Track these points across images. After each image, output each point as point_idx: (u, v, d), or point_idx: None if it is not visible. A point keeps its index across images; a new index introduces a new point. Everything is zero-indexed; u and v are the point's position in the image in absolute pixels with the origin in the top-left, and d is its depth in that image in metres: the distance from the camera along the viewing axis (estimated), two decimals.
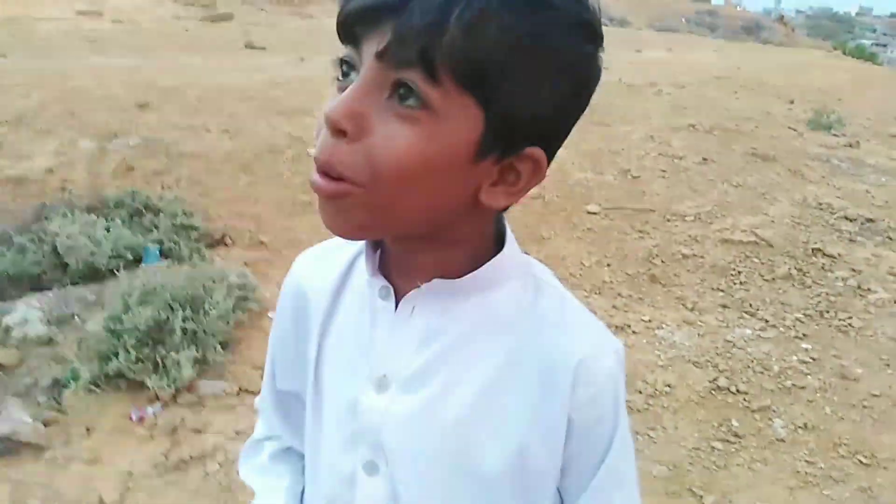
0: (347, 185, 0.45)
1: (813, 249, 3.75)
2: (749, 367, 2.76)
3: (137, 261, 2.79)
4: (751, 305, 3.24)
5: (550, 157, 0.49)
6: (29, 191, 3.30)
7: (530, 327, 0.55)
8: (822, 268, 3.60)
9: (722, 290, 3.36)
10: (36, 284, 2.62)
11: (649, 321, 3.05)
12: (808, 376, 2.73)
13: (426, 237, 0.51)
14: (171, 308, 2.27)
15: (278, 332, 0.68)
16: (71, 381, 2.13)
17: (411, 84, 0.43)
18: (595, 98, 0.49)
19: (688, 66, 8.83)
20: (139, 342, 2.18)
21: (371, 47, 0.44)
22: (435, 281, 0.53)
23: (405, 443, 0.56)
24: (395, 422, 0.56)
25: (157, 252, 2.84)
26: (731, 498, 2.09)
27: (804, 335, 3.02)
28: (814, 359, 2.85)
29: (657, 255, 3.63)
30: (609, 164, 4.67)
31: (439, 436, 0.55)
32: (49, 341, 2.32)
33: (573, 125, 0.50)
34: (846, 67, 11.80)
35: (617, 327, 2.95)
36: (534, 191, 0.52)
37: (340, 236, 0.50)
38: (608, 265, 3.52)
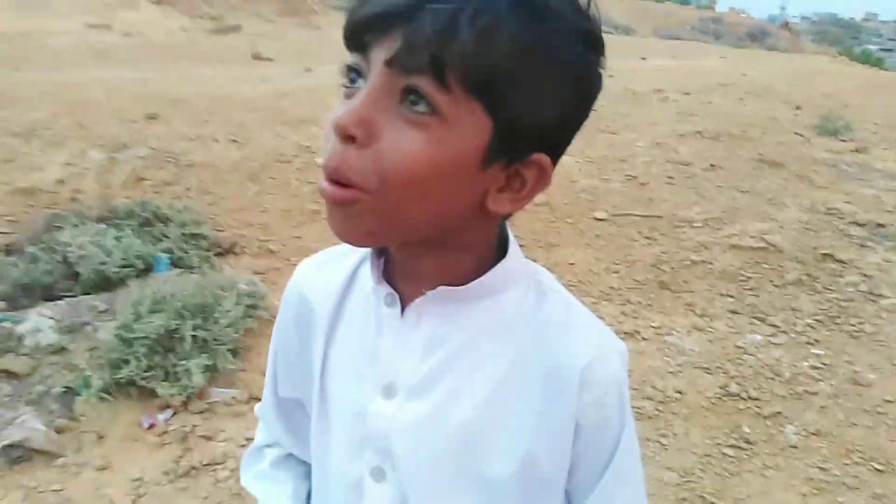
0: (356, 192, 0.46)
1: (823, 255, 3.72)
2: (760, 373, 2.74)
3: (147, 270, 2.81)
4: (761, 311, 3.22)
5: (554, 164, 0.50)
6: (40, 201, 3.34)
7: (535, 332, 0.56)
8: (833, 273, 3.57)
9: (731, 296, 3.34)
10: (48, 294, 2.64)
11: (659, 327, 3.04)
12: (820, 382, 2.71)
13: (432, 244, 0.52)
14: (182, 316, 2.28)
15: (280, 340, 0.68)
16: (83, 389, 2.14)
17: (422, 90, 0.44)
18: (601, 105, 0.50)
19: (693, 73, 8.83)
20: (150, 350, 2.20)
21: (380, 54, 0.45)
22: (441, 288, 0.54)
23: (413, 449, 0.56)
24: (403, 428, 0.56)
25: (168, 261, 2.86)
26: None
27: (815, 341, 3.00)
28: (825, 364, 2.83)
29: (666, 262, 3.62)
30: (616, 170, 4.67)
31: (447, 441, 0.55)
32: (61, 350, 2.33)
33: (576, 133, 0.51)
34: (852, 73, 11.77)
35: (626, 334, 2.93)
36: (541, 198, 0.53)
37: (349, 243, 0.50)
38: (616, 272, 3.51)
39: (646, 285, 3.41)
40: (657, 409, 2.48)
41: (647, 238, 3.86)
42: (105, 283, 2.69)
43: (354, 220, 0.47)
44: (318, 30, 11.45)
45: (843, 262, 3.66)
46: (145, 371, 2.16)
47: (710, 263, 3.62)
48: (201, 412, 2.19)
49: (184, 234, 3.06)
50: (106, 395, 2.14)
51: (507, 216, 0.53)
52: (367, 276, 0.58)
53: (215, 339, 2.30)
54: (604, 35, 0.49)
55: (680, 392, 2.58)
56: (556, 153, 0.50)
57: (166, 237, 3.02)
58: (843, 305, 3.28)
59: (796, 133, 6.12)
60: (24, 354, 2.29)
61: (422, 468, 0.56)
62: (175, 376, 2.18)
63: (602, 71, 0.49)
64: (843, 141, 6.08)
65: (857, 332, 3.07)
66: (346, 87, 0.48)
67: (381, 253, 0.57)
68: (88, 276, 2.69)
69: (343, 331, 0.60)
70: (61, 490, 1.87)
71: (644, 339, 2.94)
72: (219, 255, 3.17)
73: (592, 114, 0.50)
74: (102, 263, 2.70)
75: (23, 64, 5.88)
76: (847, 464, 2.26)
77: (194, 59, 7.21)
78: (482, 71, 0.43)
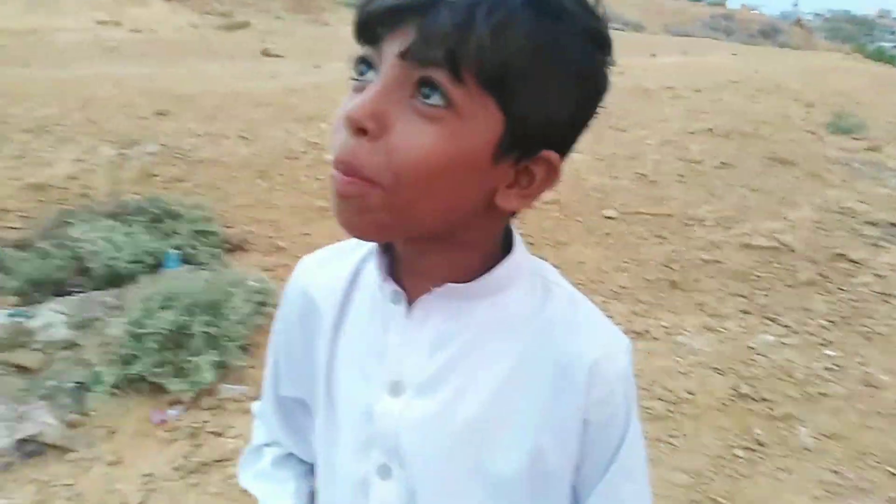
0: (368, 185, 0.45)
1: (835, 254, 3.69)
2: (772, 374, 2.72)
3: (157, 266, 2.82)
4: (773, 312, 3.19)
5: (562, 161, 0.50)
6: (51, 197, 3.36)
7: (541, 329, 0.56)
8: (846, 273, 3.54)
9: (743, 296, 3.32)
10: (59, 289, 2.65)
11: (669, 327, 3.02)
12: (833, 384, 2.68)
13: (439, 240, 0.51)
14: (192, 313, 2.29)
15: (282, 339, 0.68)
16: (94, 385, 2.15)
17: (437, 82, 0.43)
18: (610, 102, 0.50)
19: (704, 70, 8.76)
20: (160, 346, 2.20)
21: (393, 47, 0.44)
22: (447, 285, 0.54)
23: (421, 446, 0.56)
24: (411, 426, 0.56)
25: (178, 257, 2.87)
26: None
27: (828, 342, 2.97)
28: (838, 366, 2.80)
29: (676, 261, 3.59)
30: (626, 168, 4.64)
31: (454, 439, 0.55)
32: (72, 345, 2.34)
33: (584, 130, 0.51)
34: (865, 70, 11.64)
35: (636, 333, 2.92)
36: (550, 196, 0.53)
37: (357, 237, 0.50)
38: (626, 271, 3.49)
39: (656, 284, 3.38)
40: (668, 410, 2.46)
41: (658, 237, 3.83)
42: (115, 279, 2.70)
43: (365, 213, 0.47)
44: (327, 26, 11.46)
45: (856, 262, 3.62)
46: (155, 367, 2.17)
47: (722, 263, 3.59)
48: (211, 408, 2.20)
49: (193, 231, 3.07)
50: (117, 391, 2.15)
51: (515, 213, 0.53)
52: (371, 273, 0.57)
53: (225, 336, 2.31)
54: (614, 32, 0.49)
55: (691, 393, 2.56)
56: (564, 150, 0.50)
57: (176, 233, 3.03)
58: (856, 306, 3.25)
59: (808, 131, 6.06)
60: (36, 349, 2.30)
61: (430, 465, 0.56)
62: (185, 372, 2.19)
63: (610, 70, 0.49)
64: (856, 139, 6.01)
65: (870, 332, 3.04)
66: (356, 80, 0.48)
67: (386, 249, 0.57)
68: (99, 272, 2.70)
69: (348, 328, 0.60)
70: (73, 485, 1.88)
71: (654, 338, 2.92)
72: (228, 251, 3.17)
73: (602, 111, 0.51)
74: (113, 259, 2.71)
75: (33, 61, 5.92)
76: (861, 467, 2.24)
77: (203, 55, 7.22)
78: (497, 65, 0.43)
